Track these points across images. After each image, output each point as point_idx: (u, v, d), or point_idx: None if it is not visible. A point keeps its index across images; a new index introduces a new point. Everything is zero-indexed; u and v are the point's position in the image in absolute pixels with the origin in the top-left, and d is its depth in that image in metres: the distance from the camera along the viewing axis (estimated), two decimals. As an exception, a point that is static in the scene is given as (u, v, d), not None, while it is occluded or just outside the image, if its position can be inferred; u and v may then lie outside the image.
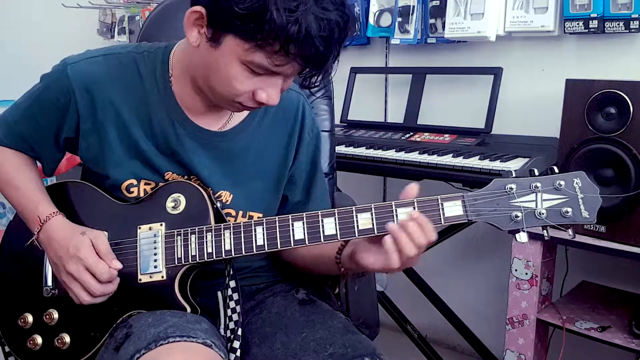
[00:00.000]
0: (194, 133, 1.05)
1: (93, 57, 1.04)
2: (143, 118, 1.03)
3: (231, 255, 0.98)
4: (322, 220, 0.95)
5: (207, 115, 1.06)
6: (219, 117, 1.07)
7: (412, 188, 0.95)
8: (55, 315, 1.03)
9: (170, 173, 1.06)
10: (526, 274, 1.59)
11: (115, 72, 1.03)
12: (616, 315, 1.62)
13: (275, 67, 0.88)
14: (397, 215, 0.93)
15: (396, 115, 2.22)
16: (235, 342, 0.99)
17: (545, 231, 0.94)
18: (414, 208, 0.93)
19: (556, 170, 0.92)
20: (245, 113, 1.09)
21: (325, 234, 0.95)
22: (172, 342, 0.87)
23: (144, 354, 0.86)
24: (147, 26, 1.41)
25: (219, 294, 1.08)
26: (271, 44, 0.84)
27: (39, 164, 1.14)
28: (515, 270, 1.61)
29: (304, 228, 0.96)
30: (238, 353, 0.98)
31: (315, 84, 0.95)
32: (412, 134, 1.97)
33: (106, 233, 1.01)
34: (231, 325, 1.02)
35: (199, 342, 0.89)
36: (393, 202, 0.94)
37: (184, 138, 1.04)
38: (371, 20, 2.18)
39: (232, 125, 1.08)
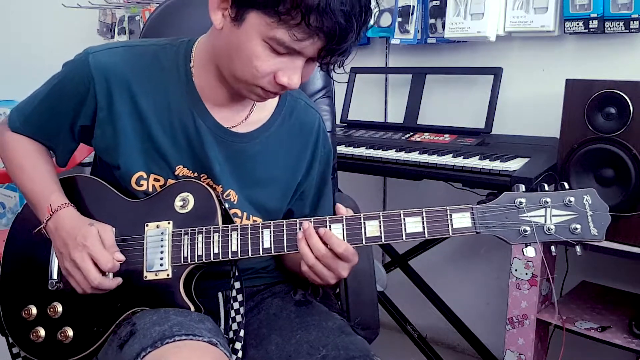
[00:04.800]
0: (212, 127, 1.05)
1: (115, 48, 1.05)
2: (161, 109, 1.04)
3: (237, 256, 0.98)
4: (330, 227, 0.95)
5: (226, 108, 1.06)
6: (238, 111, 1.08)
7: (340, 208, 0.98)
8: (60, 308, 1.03)
9: (181, 167, 1.06)
10: (526, 274, 1.59)
11: (136, 63, 1.04)
12: (616, 315, 1.62)
13: (296, 42, 0.87)
14: (405, 224, 0.94)
15: (396, 115, 2.22)
16: (237, 343, 0.99)
17: (553, 247, 0.94)
18: (423, 218, 0.93)
19: (566, 186, 0.93)
20: (265, 115, 1.10)
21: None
22: (178, 340, 0.87)
23: (150, 352, 0.86)
24: (148, 26, 1.41)
25: (220, 295, 1.08)
26: (292, 17, 0.85)
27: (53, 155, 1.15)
28: (515, 270, 1.61)
29: None
30: (240, 354, 0.98)
31: (335, 64, 0.95)
32: (412, 134, 1.97)
33: (113, 228, 1.02)
34: (234, 326, 1.02)
35: (204, 341, 0.89)
36: (402, 211, 0.95)
37: (202, 130, 1.04)
38: (371, 20, 2.18)
39: (250, 126, 1.09)
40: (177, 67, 1.05)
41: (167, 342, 0.87)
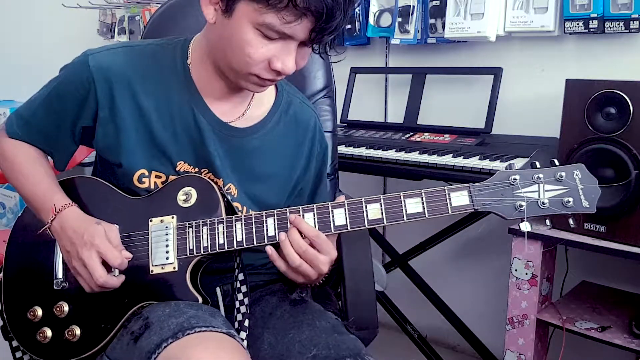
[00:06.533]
0: (211, 122, 1.07)
1: (114, 49, 1.07)
2: (162, 106, 1.05)
3: (243, 245, 0.99)
4: (332, 211, 0.97)
5: (225, 103, 1.08)
6: (236, 105, 1.09)
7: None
8: (66, 307, 1.04)
9: (182, 163, 1.07)
10: (526, 274, 1.59)
11: (135, 62, 1.05)
12: (616, 315, 1.62)
13: (286, 25, 0.89)
14: (405, 206, 0.96)
15: (396, 115, 2.22)
16: (242, 333, 1.01)
17: (547, 220, 0.98)
18: (422, 198, 0.95)
19: (556, 162, 0.96)
20: (263, 112, 1.12)
21: (336, 224, 0.97)
22: (198, 331, 0.88)
23: (171, 342, 0.87)
24: (150, 26, 1.42)
25: (218, 290, 1.09)
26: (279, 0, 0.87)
27: (50, 160, 1.15)
28: (515, 270, 1.61)
29: (314, 219, 0.97)
30: (245, 344, 0.99)
31: (328, 45, 0.97)
32: (412, 134, 1.97)
33: (118, 227, 1.03)
34: (239, 317, 1.03)
35: (223, 332, 0.90)
36: (401, 193, 0.97)
37: (202, 125, 1.06)
38: (371, 20, 2.18)
39: (248, 121, 1.10)
40: (175, 65, 1.06)
41: (188, 334, 0.88)
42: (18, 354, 1.09)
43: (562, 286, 1.79)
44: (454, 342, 2.33)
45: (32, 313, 1.05)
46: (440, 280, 2.19)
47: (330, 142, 1.41)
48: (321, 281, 1.07)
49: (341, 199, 0.99)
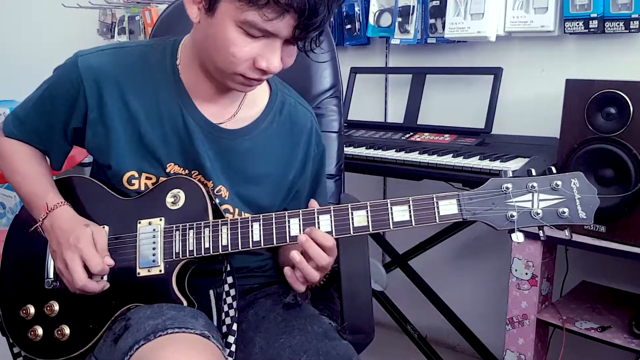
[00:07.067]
0: (200, 123, 1.06)
1: (103, 50, 1.07)
2: (151, 107, 1.05)
3: (228, 250, 0.99)
4: (317, 217, 0.96)
5: (214, 104, 1.07)
6: (226, 106, 1.09)
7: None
8: (56, 307, 1.04)
9: (172, 164, 1.07)
10: (526, 274, 1.59)
11: (125, 63, 1.05)
12: (616, 315, 1.62)
13: (268, 22, 0.88)
14: (392, 213, 0.94)
15: (396, 115, 2.22)
16: (230, 337, 1.00)
17: (541, 231, 0.94)
18: (409, 207, 0.94)
19: (554, 170, 0.92)
20: (255, 112, 1.11)
21: (322, 230, 0.96)
22: (170, 333, 0.88)
23: (143, 344, 0.87)
24: (158, 24, 1.42)
25: (211, 292, 1.09)
26: None
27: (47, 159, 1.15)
28: (515, 270, 1.61)
29: (299, 225, 0.97)
30: (233, 348, 0.99)
31: (313, 43, 0.96)
32: (412, 134, 1.97)
33: (107, 229, 1.03)
34: (227, 320, 1.03)
35: (197, 334, 0.90)
36: (388, 200, 0.95)
37: (191, 126, 1.06)
38: (371, 20, 2.18)
39: (240, 123, 1.09)
40: (165, 65, 1.06)
41: (160, 335, 0.87)
42: (16, 349, 1.09)
43: (562, 286, 1.79)
44: (454, 342, 2.33)
45: (24, 311, 1.05)
46: (440, 280, 2.19)
47: (336, 142, 1.40)
48: (322, 281, 1.06)
49: (312, 204, 0.97)
